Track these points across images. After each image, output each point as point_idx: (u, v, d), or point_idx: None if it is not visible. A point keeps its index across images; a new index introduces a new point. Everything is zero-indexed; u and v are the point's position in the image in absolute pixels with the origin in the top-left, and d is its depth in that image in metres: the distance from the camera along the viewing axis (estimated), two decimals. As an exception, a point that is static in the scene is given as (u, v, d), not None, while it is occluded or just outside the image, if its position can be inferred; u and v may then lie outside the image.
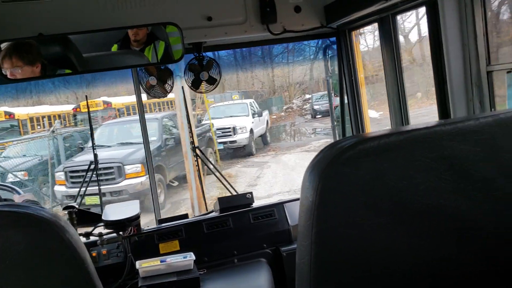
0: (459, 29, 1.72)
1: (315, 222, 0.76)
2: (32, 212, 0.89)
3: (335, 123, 3.27)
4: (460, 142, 0.79)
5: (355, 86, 2.76)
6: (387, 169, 0.76)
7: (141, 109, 2.67)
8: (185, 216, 2.54)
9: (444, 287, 0.80)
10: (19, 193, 2.13)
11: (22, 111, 20.08)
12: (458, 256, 0.80)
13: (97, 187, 2.99)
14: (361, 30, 2.89)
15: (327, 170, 0.76)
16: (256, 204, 2.56)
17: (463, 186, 0.78)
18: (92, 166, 2.83)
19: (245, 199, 2.51)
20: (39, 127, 19.33)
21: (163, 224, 2.44)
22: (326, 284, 0.79)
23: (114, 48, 2.34)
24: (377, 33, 2.48)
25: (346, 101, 2.88)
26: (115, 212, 2.20)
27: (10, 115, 19.48)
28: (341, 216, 0.76)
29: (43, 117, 19.28)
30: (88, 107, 3.59)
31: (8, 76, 2.03)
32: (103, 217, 2.14)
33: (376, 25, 2.43)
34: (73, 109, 21.26)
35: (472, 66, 1.72)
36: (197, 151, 2.79)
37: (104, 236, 2.18)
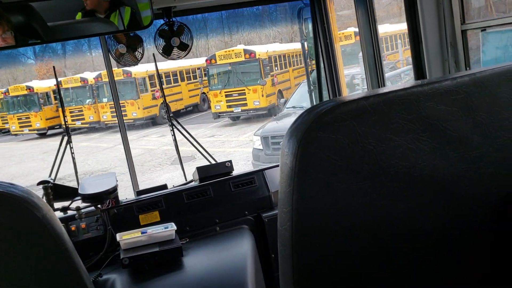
0: (434, -13, 1.70)
1: (295, 189, 0.76)
2: (1, 190, 0.85)
3: (312, 87, 3.25)
4: (437, 102, 0.79)
5: (330, 50, 2.73)
6: (365, 133, 0.75)
7: (112, 77, 2.58)
8: (164, 186, 2.52)
9: (422, 246, 0.82)
10: None
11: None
12: (435, 216, 0.81)
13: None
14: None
15: (305, 135, 0.75)
16: (236, 172, 2.55)
17: (440, 146, 0.79)
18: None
19: (225, 167, 2.50)
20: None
21: (142, 196, 2.41)
22: (308, 248, 0.79)
23: (79, 16, 2.24)
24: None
25: (321, 65, 2.86)
26: (91, 185, 2.16)
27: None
28: (321, 182, 0.76)
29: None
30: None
31: None
32: (79, 191, 2.10)
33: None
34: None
35: (447, 25, 1.71)
36: (174, 121, 2.75)
37: (82, 210, 2.15)
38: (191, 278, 1.97)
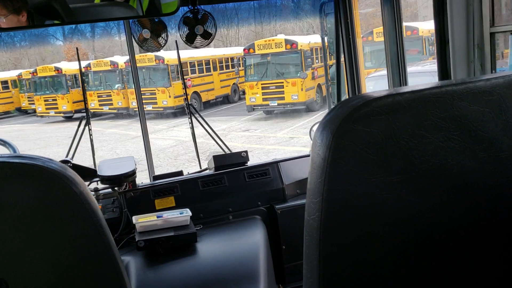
0: (465, -12, 1.69)
1: (326, 180, 0.77)
2: (40, 164, 0.87)
3: (329, 82, 3.24)
4: (470, 102, 0.79)
5: (352, 46, 2.72)
6: (398, 128, 0.76)
7: (133, 61, 2.60)
8: (180, 173, 2.54)
9: (446, 244, 0.83)
10: (14, 151, 2.08)
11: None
12: (461, 215, 0.82)
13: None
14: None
15: (339, 128, 0.76)
16: (251, 163, 2.57)
17: (471, 146, 0.79)
18: None
19: (240, 157, 2.52)
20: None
21: (158, 181, 2.44)
22: (335, 239, 0.80)
23: (97, 0, 2.24)
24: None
25: (342, 60, 2.85)
26: (110, 167, 2.19)
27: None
28: (353, 174, 0.77)
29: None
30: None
31: None
32: (98, 172, 2.13)
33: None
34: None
35: (476, 27, 1.70)
36: (191, 108, 2.77)
37: (100, 191, 2.18)
38: (204, 264, 2.00)
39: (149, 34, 2.33)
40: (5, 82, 21.76)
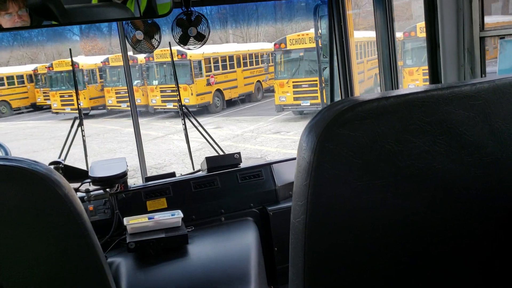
0: (455, -7, 1.70)
1: (311, 183, 0.77)
2: (25, 166, 0.87)
3: (323, 84, 3.26)
4: (455, 107, 0.80)
5: (345, 49, 2.73)
6: (384, 132, 0.77)
7: (127, 63, 2.60)
8: (173, 174, 2.54)
9: (430, 247, 0.84)
10: (6, 153, 2.07)
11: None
12: (444, 218, 0.83)
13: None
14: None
15: (325, 131, 0.76)
16: (244, 164, 2.57)
17: (456, 150, 0.80)
18: None
19: (233, 159, 2.52)
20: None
21: (150, 182, 2.44)
22: (320, 242, 0.81)
23: (95, 1, 2.24)
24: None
25: (335, 63, 2.86)
26: (102, 168, 2.18)
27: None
28: (337, 178, 0.78)
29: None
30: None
31: (6, 26, 1.92)
32: (90, 173, 2.12)
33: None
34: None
35: (466, 31, 1.71)
36: (184, 109, 2.77)
37: (91, 193, 2.17)
38: (195, 266, 1.99)
39: (142, 35, 2.33)
40: (21, 76, 21.14)
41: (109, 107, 17.99)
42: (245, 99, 18.76)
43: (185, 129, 2.97)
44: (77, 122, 2.73)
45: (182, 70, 15.97)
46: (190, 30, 2.37)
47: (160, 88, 16.55)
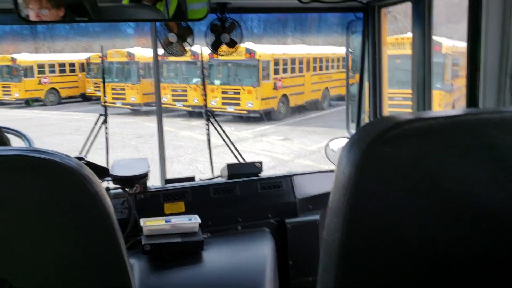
0: (501, 16, 1.65)
1: (350, 200, 0.75)
2: (57, 160, 0.84)
3: (349, 100, 3.21)
4: (504, 132, 0.77)
5: (378, 66, 2.69)
6: (428, 153, 0.75)
7: (156, 64, 2.61)
8: (192, 178, 2.52)
9: (469, 273, 0.80)
10: (29, 144, 2.07)
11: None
12: (485, 245, 0.79)
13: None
14: (390, 8, 2.79)
15: (368, 148, 0.75)
16: (264, 174, 2.53)
17: (500, 177, 0.77)
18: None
19: (254, 167, 2.49)
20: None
21: (169, 185, 2.42)
22: (356, 262, 0.79)
23: (125, 1, 2.26)
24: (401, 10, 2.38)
25: (365, 80, 2.82)
26: (123, 167, 2.17)
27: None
28: (378, 196, 0.75)
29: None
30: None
31: (32, 18, 1.95)
32: (111, 172, 2.11)
33: (407, 4, 2.34)
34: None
35: (510, 56, 1.65)
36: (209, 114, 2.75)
37: (111, 191, 2.16)
38: (209, 274, 1.96)
39: (175, 38, 2.33)
40: (72, 65, 20.57)
41: (164, 105, 16.42)
42: (310, 106, 17.27)
43: (208, 134, 2.95)
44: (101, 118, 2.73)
45: (248, 70, 14.63)
46: (223, 37, 2.36)
47: (222, 88, 15.02)
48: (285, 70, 15.63)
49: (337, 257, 0.78)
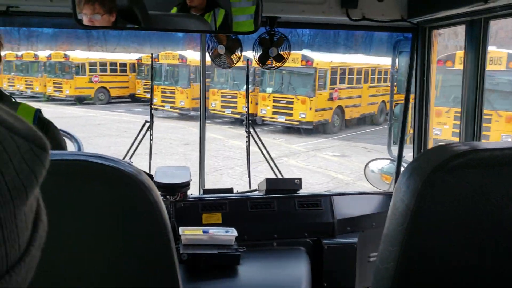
0: None
1: (408, 229, 0.73)
2: (121, 168, 0.86)
3: (392, 121, 3.15)
4: None
5: (425, 88, 2.63)
6: (492, 185, 0.72)
7: (204, 75, 2.64)
8: (230, 190, 2.53)
9: None
10: (79, 148, 2.12)
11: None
12: None
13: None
14: (441, 30, 2.73)
15: (429, 176, 0.72)
16: (303, 191, 2.51)
17: None
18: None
19: (293, 184, 2.47)
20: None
21: (208, 195, 2.43)
22: None
23: (174, 10, 2.29)
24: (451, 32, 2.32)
25: (411, 102, 2.76)
26: (166, 175, 2.20)
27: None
28: (438, 227, 0.73)
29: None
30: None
31: (85, 23, 2.01)
32: (154, 179, 2.14)
33: (460, 26, 2.28)
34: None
35: None
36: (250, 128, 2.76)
37: None
38: None
39: (223, 50, 2.35)
40: (124, 65, 20.37)
41: (212, 111, 15.80)
42: (366, 120, 16.29)
43: (248, 146, 2.95)
44: (147, 125, 2.78)
45: (303, 79, 13.63)
46: (271, 51, 2.36)
47: (275, 97, 14.12)
48: (342, 80, 14.73)
49: (389, 286, 0.76)
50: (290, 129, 14.20)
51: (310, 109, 13.57)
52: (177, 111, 16.16)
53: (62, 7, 2.12)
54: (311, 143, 12.66)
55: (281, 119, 14.09)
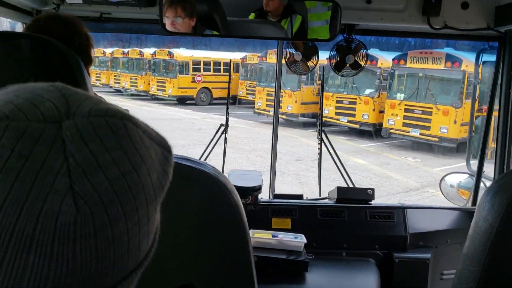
0: None
1: (492, 249, 0.71)
2: (207, 171, 0.90)
3: (472, 133, 3.00)
4: None
5: (511, 100, 2.47)
6: None
7: (279, 80, 2.67)
8: (300, 196, 2.53)
9: None
10: None
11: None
12: None
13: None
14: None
15: None
16: (376, 202, 2.46)
17: None
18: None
19: (366, 194, 2.42)
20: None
21: (278, 200, 2.45)
22: None
23: (251, 16, 2.32)
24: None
25: (495, 114, 2.61)
26: (239, 178, 2.25)
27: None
28: None
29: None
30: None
31: (167, 27, 2.08)
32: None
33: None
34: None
35: None
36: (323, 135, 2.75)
37: None
38: None
39: (300, 56, 2.37)
40: (227, 64, 18.42)
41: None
42: None
43: (320, 153, 2.94)
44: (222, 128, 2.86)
45: (446, 84, 11.01)
46: (348, 58, 2.35)
47: (406, 106, 11.66)
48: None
49: None
50: (424, 146, 11.59)
51: (455, 122, 10.75)
52: (284, 116, 13.71)
53: (150, 14, 2.25)
54: (455, 167, 8.51)
55: (414, 132, 11.56)
